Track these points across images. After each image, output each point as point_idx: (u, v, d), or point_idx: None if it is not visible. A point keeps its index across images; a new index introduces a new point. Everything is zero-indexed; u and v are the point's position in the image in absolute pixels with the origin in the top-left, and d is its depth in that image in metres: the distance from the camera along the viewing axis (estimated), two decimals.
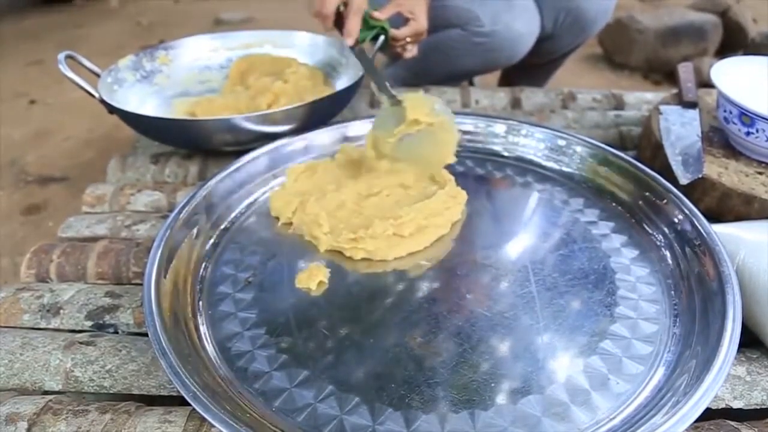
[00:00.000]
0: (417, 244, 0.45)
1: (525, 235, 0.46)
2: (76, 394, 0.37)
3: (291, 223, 0.48)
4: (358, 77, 0.61)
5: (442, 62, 0.78)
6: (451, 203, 0.46)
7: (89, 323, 0.41)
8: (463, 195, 0.47)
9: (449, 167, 0.51)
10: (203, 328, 0.38)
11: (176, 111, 0.66)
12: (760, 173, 0.49)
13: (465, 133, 0.58)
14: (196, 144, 0.58)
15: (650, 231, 0.46)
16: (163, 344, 0.33)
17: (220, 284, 0.42)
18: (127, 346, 0.38)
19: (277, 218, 0.48)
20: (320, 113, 0.57)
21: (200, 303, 0.40)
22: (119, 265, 0.46)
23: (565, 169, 0.54)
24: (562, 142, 0.55)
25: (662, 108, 0.57)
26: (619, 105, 0.73)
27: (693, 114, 0.56)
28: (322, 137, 0.56)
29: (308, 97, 0.59)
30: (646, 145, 0.57)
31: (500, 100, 0.73)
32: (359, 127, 0.57)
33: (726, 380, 0.35)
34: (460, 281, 0.42)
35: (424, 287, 0.41)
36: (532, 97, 0.74)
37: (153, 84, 0.68)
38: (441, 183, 0.50)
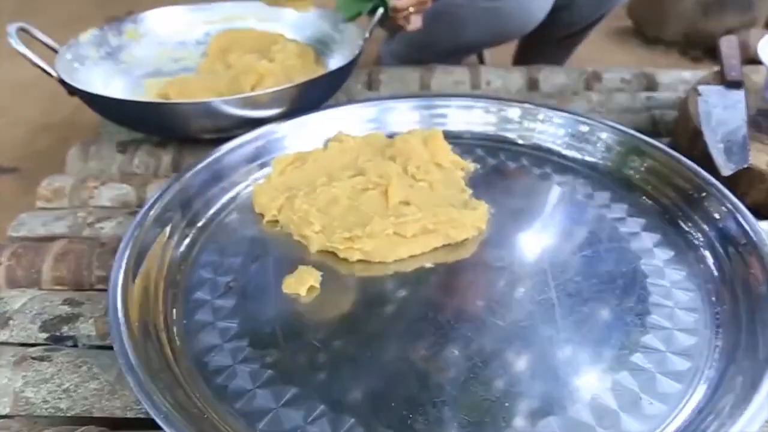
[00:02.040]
0: (421, 246, 0.45)
1: (543, 234, 0.46)
2: (27, 418, 0.37)
3: (277, 221, 0.48)
4: (354, 55, 0.61)
5: (446, 34, 0.77)
6: (469, 219, 0.46)
7: (44, 335, 0.41)
8: (483, 211, 0.47)
9: (457, 152, 0.52)
10: (177, 340, 0.38)
11: (147, 92, 0.66)
12: None
13: (475, 118, 0.57)
14: (170, 130, 0.58)
15: (687, 229, 0.46)
16: (131, 358, 0.33)
17: (197, 290, 0.42)
18: (88, 362, 0.38)
19: (262, 215, 0.48)
20: (311, 96, 0.57)
21: (174, 311, 0.40)
22: (80, 268, 0.45)
23: (588, 158, 0.54)
24: (585, 129, 0.55)
25: (702, 88, 0.57)
26: (652, 85, 0.73)
27: (737, 95, 0.56)
28: (313, 123, 0.56)
29: (297, 78, 0.58)
30: (683, 132, 0.56)
31: (515, 81, 0.73)
32: (355, 112, 0.57)
33: None
34: (470, 286, 0.42)
35: (429, 293, 0.41)
36: (551, 77, 0.74)
37: (120, 62, 0.68)
38: (457, 183, 0.50)
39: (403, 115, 0.59)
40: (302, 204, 0.46)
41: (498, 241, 0.46)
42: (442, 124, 0.58)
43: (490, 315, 0.39)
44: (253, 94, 0.53)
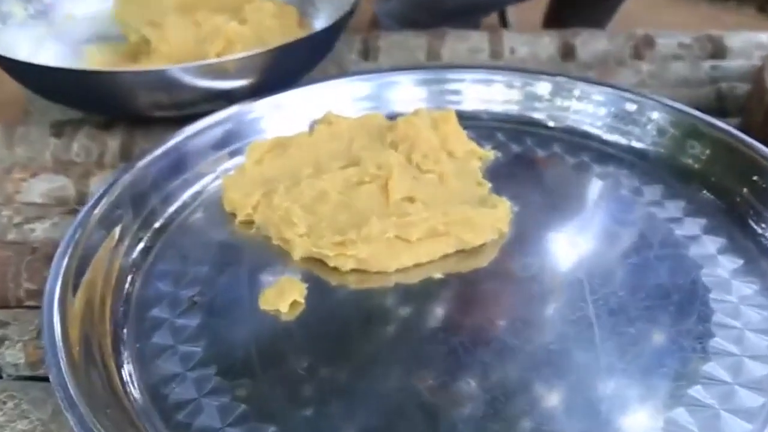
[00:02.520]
0: (428, 253, 0.45)
1: (579, 238, 0.47)
2: None
3: (253, 222, 0.48)
4: (344, 13, 0.61)
5: None
6: (488, 219, 0.46)
7: None
8: (505, 209, 0.48)
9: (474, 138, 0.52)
10: (129, 368, 0.39)
11: (88, 61, 0.66)
12: None
13: (495, 95, 0.58)
14: (118, 107, 0.58)
15: (760, 231, 0.46)
16: (71, 391, 0.33)
17: (154, 306, 0.42)
18: (16, 396, 0.38)
19: (234, 214, 0.49)
20: (291, 65, 0.57)
21: (125, 332, 0.41)
22: (5, 280, 0.46)
23: (636, 144, 0.55)
24: (632, 107, 0.55)
25: None
26: (719, 52, 0.73)
27: None
28: (297, 101, 0.56)
29: (275, 42, 0.58)
30: (757, 109, 0.57)
31: (545, 48, 0.73)
32: (348, 88, 0.58)
33: None
34: (489, 301, 0.42)
35: (439, 310, 0.42)
36: (590, 42, 0.74)
37: (53, 23, 0.68)
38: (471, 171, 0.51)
39: (406, 92, 0.59)
40: (283, 201, 0.46)
41: (523, 246, 0.46)
42: (455, 103, 0.59)
43: (513, 337, 0.40)
44: (216, 60, 0.54)
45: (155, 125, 0.59)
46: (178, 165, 0.51)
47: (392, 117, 0.56)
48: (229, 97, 0.55)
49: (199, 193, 0.51)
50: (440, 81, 0.60)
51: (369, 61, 0.72)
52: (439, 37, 0.74)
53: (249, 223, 0.48)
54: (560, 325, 0.40)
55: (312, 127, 0.55)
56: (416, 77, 0.60)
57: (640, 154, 0.54)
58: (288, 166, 0.51)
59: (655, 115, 0.54)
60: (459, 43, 0.73)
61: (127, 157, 0.58)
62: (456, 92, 0.60)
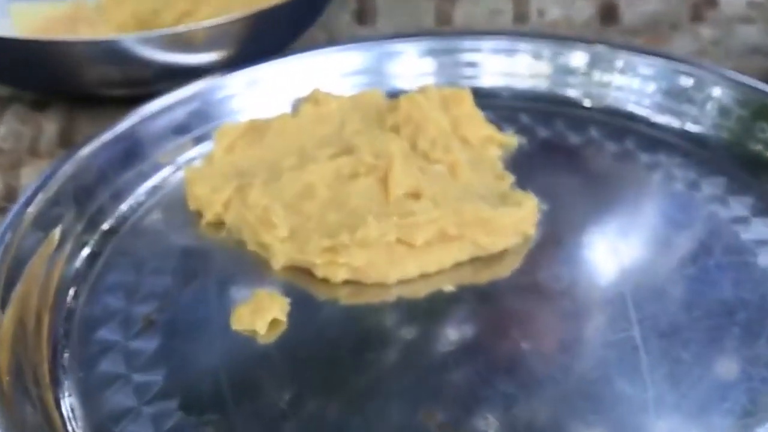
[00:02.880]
0: (437, 261, 0.45)
1: (622, 243, 0.47)
2: None
3: (223, 223, 0.48)
4: None
5: None
6: (510, 219, 0.46)
7: None
8: (531, 208, 0.48)
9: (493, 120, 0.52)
10: (71, 402, 0.38)
11: (18, 26, 0.66)
12: None
13: (519, 68, 0.58)
14: (56, 83, 0.58)
15: None
16: None
17: (102, 325, 0.42)
18: None
19: (200, 213, 0.49)
20: (271, 33, 0.58)
21: (66, 358, 0.41)
22: None
23: (693, 128, 0.55)
24: (688, 82, 0.55)
25: None
26: None
27: None
28: (276, 75, 0.56)
29: (249, 5, 0.58)
30: None
31: (581, 10, 0.74)
32: (339, 60, 0.58)
33: None
34: (511, 321, 0.42)
35: (450, 331, 0.42)
36: (637, 2, 0.74)
37: None
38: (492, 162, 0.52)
39: (410, 64, 0.59)
40: (260, 197, 0.46)
41: (553, 253, 0.46)
42: (471, 78, 0.59)
43: (541, 364, 0.40)
44: (182, 29, 0.54)
45: (102, 105, 0.59)
46: (132, 153, 0.51)
47: (393, 95, 0.56)
48: (195, 74, 0.55)
49: (157, 188, 0.51)
50: (452, 51, 0.60)
51: (365, 25, 0.72)
52: None
53: (218, 224, 0.48)
54: (599, 350, 0.40)
55: (295, 107, 0.55)
56: (423, 46, 0.60)
57: (698, 139, 0.54)
58: (266, 154, 0.51)
59: (717, 91, 0.54)
60: (475, 3, 0.73)
61: (67, 143, 0.58)
62: (471, 64, 0.60)
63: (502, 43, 0.59)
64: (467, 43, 0.60)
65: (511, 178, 0.51)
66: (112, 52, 0.53)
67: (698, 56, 0.65)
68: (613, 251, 0.46)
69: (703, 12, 0.73)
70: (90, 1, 0.68)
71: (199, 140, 0.54)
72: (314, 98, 0.55)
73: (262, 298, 0.43)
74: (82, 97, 0.60)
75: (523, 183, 0.50)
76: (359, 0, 0.74)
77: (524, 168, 0.52)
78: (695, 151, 0.53)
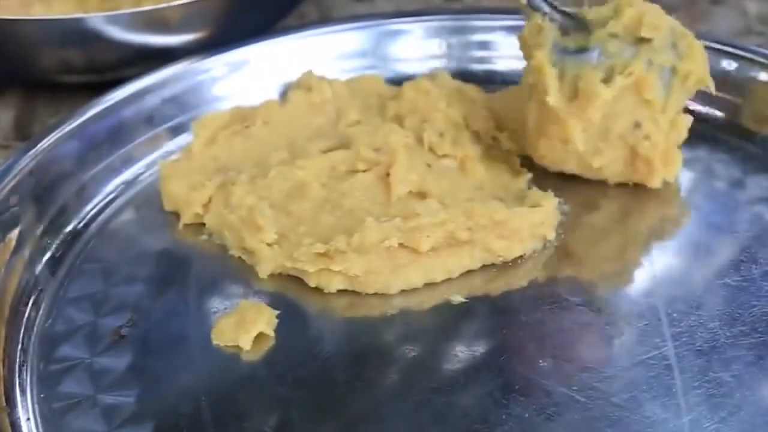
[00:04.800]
0: (444, 268, 0.45)
1: (654, 250, 0.47)
2: None
3: (203, 224, 0.48)
4: None
5: None
6: (527, 221, 0.46)
7: None
8: (550, 208, 0.47)
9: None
10: (29, 427, 0.38)
11: None
12: None
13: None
14: (9, 69, 0.58)
15: None
16: None
17: (65, 340, 0.42)
18: None
19: (177, 214, 0.49)
20: (255, 10, 0.58)
21: (26, 377, 0.40)
22: None
23: (737, 119, 0.55)
24: (731, 65, 0.55)
25: None
26: None
27: None
28: (263, 58, 0.56)
29: None
30: None
31: None
32: (334, 41, 0.58)
33: None
34: (528, 336, 0.42)
35: (458, 347, 0.41)
36: None
37: None
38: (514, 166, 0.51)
39: (415, 46, 0.60)
40: (245, 196, 0.46)
41: (575, 260, 0.46)
42: (484, 61, 0.59)
43: (562, 385, 0.39)
44: (154, 7, 0.54)
45: (62, 91, 0.59)
46: (100, 146, 0.51)
47: (396, 81, 0.56)
48: (168, 58, 0.55)
49: (128, 185, 0.51)
50: (463, 30, 0.60)
51: (362, 1, 0.72)
52: None
53: (198, 226, 0.48)
54: (627, 369, 0.40)
55: (284, 94, 0.55)
56: (429, 25, 0.60)
57: (744, 132, 0.54)
58: (252, 148, 0.51)
59: (764, 76, 0.54)
60: None
61: (24, 134, 0.58)
62: (484, 45, 0.60)
63: (519, 20, 0.58)
64: (479, 22, 0.60)
65: (528, 175, 0.51)
66: (74, 33, 0.53)
67: (743, 36, 0.64)
68: (644, 258, 0.46)
69: None
70: None
71: (175, 131, 0.54)
72: (306, 84, 0.55)
73: (247, 309, 0.42)
74: (43, 83, 0.60)
75: (541, 181, 0.50)
76: None
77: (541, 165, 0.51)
78: (741, 145, 0.53)
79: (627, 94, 0.48)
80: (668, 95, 0.49)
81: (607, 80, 0.48)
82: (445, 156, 0.51)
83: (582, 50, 0.49)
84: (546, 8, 0.50)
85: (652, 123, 0.48)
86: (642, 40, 0.49)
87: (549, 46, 0.49)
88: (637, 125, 0.48)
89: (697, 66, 0.49)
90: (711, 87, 0.50)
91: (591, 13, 0.50)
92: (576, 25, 0.50)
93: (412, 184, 0.48)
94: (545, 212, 0.47)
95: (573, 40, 0.50)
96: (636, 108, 0.48)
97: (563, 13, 0.50)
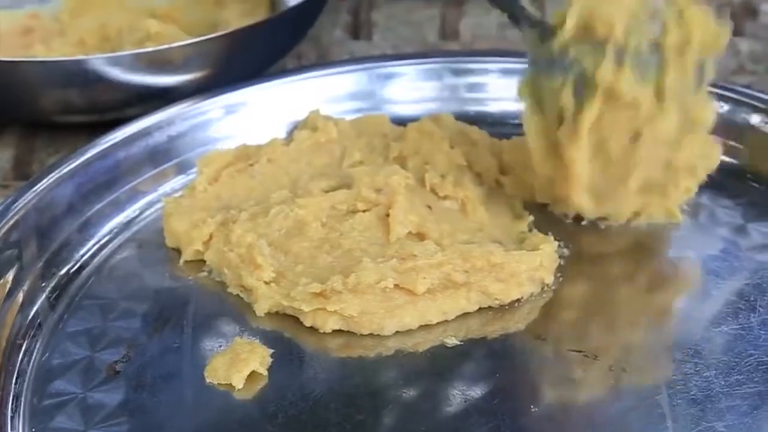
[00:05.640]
0: (440, 310, 0.45)
1: (652, 296, 0.47)
2: None
3: (203, 262, 0.49)
4: None
5: None
6: (526, 265, 0.46)
7: None
8: (549, 251, 0.47)
9: None
10: None
11: None
12: None
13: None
14: (12, 109, 0.59)
15: None
16: None
17: (59, 375, 0.42)
18: None
19: (178, 250, 0.49)
20: (258, 52, 0.58)
21: (20, 412, 0.40)
22: None
23: (732, 159, 0.54)
24: (724, 107, 0.55)
25: None
26: None
27: None
28: (265, 98, 0.57)
29: (231, 22, 0.60)
30: None
31: None
32: (330, 83, 0.58)
33: None
34: (523, 380, 0.42)
35: (453, 392, 0.41)
36: None
37: None
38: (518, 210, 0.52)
39: (410, 88, 0.60)
40: (245, 234, 0.47)
41: (573, 304, 0.46)
42: (478, 102, 0.59)
43: (555, 430, 0.39)
44: (155, 48, 0.54)
45: (61, 130, 0.60)
46: (102, 184, 0.51)
47: (401, 123, 0.56)
48: (168, 98, 0.55)
49: (131, 222, 0.51)
50: (458, 72, 0.60)
51: (360, 40, 0.72)
52: (457, 6, 0.74)
53: (198, 262, 0.49)
54: (620, 417, 0.40)
55: (291, 133, 0.56)
56: (424, 67, 0.60)
57: (739, 173, 0.54)
58: (254, 186, 0.52)
59: (755, 119, 0.54)
60: (484, 14, 0.73)
61: (23, 173, 0.58)
62: (479, 87, 0.60)
63: (514, 63, 0.59)
64: (474, 64, 0.60)
65: (529, 218, 0.51)
66: (75, 75, 0.54)
67: (736, 75, 0.65)
68: (641, 304, 0.46)
69: (741, 23, 0.73)
70: (46, 13, 0.69)
71: (178, 170, 0.54)
72: (312, 123, 0.55)
73: (241, 347, 0.42)
74: (42, 123, 0.61)
75: (542, 224, 0.50)
76: (354, 11, 0.74)
77: (544, 207, 0.51)
78: (740, 188, 0.53)
79: (607, 104, 0.46)
80: (662, 77, 0.45)
81: (580, 89, 0.46)
82: (446, 197, 0.51)
83: (552, 61, 0.48)
84: (524, 19, 0.49)
85: (651, 127, 0.46)
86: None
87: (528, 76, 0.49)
88: (636, 137, 0.46)
89: (694, 28, 0.46)
90: (721, 47, 0.46)
91: (553, 16, 0.49)
92: (546, 32, 0.48)
93: (412, 225, 0.48)
94: (544, 256, 0.47)
95: (545, 49, 0.48)
96: (625, 115, 0.46)
97: (536, 22, 0.49)
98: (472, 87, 0.60)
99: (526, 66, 0.52)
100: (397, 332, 0.44)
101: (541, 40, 0.49)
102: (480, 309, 0.45)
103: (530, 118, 0.49)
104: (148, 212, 0.52)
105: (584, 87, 0.46)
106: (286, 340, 0.44)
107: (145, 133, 0.53)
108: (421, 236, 0.47)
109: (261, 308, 0.45)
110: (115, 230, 0.51)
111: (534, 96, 0.49)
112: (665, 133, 0.46)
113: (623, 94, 0.45)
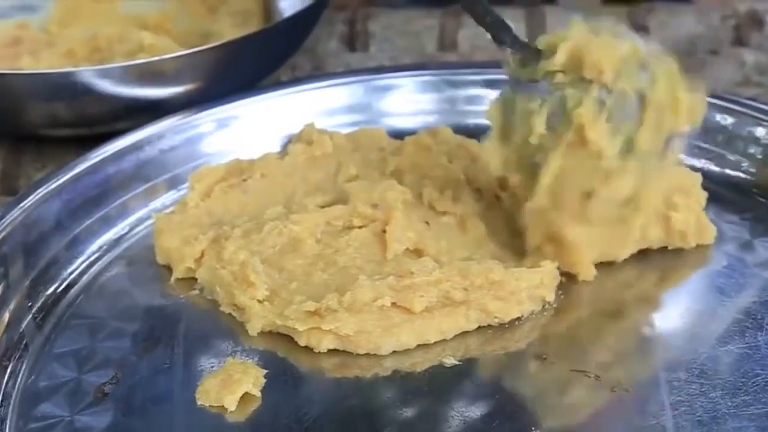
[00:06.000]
0: (438, 329, 0.45)
1: (656, 314, 0.47)
2: None
3: (195, 279, 0.48)
4: None
5: None
6: (526, 282, 0.46)
7: None
8: (550, 269, 0.47)
9: None
10: None
11: None
12: None
13: None
14: None
15: None
16: None
17: (45, 398, 0.42)
18: None
19: (169, 268, 0.49)
20: (251, 64, 0.58)
21: None
22: None
23: (736, 173, 0.55)
24: (728, 120, 0.55)
25: None
26: None
27: None
28: (255, 111, 0.56)
29: (224, 33, 0.60)
30: None
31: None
32: (325, 95, 0.58)
33: None
34: (523, 401, 0.41)
35: (451, 412, 0.40)
36: (670, 23, 0.75)
37: None
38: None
39: (407, 100, 0.60)
40: (238, 251, 0.46)
41: (574, 322, 0.46)
42: (476, 115, 0.58)
43: None
44: (146, 60, 0.54)
45: (49, 144, 0.60)
46: (91, 199, 0.51)
47: (399, 136, 0.56)
48: (159, 111, 0.55)
49: (120, 239, 0.51)
50: (456, 84, 0.60)
51: (356, 51, 0.72)
52: (454, 17, 0.73)
53: (189, 280, 0.48)
54: None
55: (285, 146, 0.55)
56: (422, 79, 0.60)
57: (748, 190, 0.54)
58: (247, 201, 0.51)
59: (761, 131, 0.54)
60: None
61: (10, 188, 0.58)
62: (478, 100, 0.59)
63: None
64: (472, 76, 0.60)
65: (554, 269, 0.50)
66: (64, 87, 0.54)
67: (742, 88, 0.65)
68: (644, 323, 0.46)
69: (747, 34, 0.73)
70: (35, 23, 0.69)
71: (170, 185, 0.54)
72: (307, 137, 0.55)
73: (234, 368, 0.42)
74: (30, 137, 0.61)
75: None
76: (349, 22, 0.74)
77: None
78: (745, 204, 0.53)
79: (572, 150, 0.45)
80: (636, 131, 0.44)
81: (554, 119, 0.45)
82: (444, 213, 0.50)
83: (534, 81, 0.47)
84: (508, 42, 0.48)
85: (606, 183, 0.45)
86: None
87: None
88: (588, 195, 0.45)
89: (680, 92, 0.45)
90: (697, 120, 0.46)
91: (542, 41, 0.48)
92: (532, 55, 0.47)
93: (409, 242, 0.48)
94: (545, 273, 0.46)
95: (528, 71, 0.47)
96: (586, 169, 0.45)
97: (523, 45, 0.48)
98: (471, 99, 0.60)
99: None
100: (394, 352, 0.43)
101: (522, 64, 0.48)
102: (479, 328, 0.45)
103: (494, 148, 0.48)
104: (138, 229, 0.52)
105: (560, 117, 0.45)
106: (280, 360, 0.43)
107: (135, 147, 0.53)
108: (418, 253, 0.47)
109: (254, 327, 0.44)
110: (105, 247, 0.50)
111: (504, 118, 0.48)
112: (618, 192, 0.45)
113: (591, 141, 0.44)
